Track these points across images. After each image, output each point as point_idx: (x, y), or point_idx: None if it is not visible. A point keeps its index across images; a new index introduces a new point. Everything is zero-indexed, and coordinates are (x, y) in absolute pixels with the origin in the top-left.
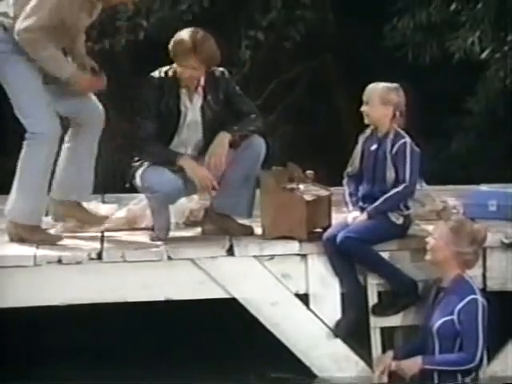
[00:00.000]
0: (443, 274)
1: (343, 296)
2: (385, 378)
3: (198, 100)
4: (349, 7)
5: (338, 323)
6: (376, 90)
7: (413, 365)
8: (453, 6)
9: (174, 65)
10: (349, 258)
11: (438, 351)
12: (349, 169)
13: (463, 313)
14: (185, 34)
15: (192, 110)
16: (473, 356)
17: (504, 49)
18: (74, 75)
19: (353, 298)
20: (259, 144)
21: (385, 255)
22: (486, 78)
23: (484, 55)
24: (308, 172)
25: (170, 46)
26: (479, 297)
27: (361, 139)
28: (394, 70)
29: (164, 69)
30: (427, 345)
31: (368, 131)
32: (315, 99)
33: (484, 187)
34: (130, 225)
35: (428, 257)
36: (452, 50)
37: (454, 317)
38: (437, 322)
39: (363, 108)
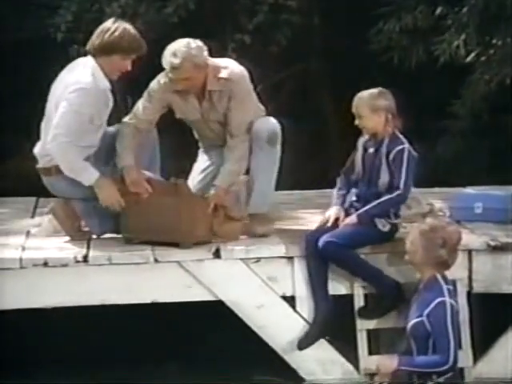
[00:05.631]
0: (421, 275)
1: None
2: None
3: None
4: (335, 11)
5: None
6: (363, 100)
7: (388, 364)
8: (438, 10)
9: None
10: (326, 262)
11: (416, 351)
12: (345, 168)
13: (432, 316)
14: None
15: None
16: (446, 358)
17: (489, 52)
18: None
19: (319, 309)
20: None
21: (367, 257)
22: (471, 82)
23: (469, 59)
24: None
25: None
26: (447, 299)
27: (360, 142)
28: (379, 74)
29: None
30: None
31: (366, 135)
32: (301, 104)
33: (470, 190)
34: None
35: (406, 257)
36: (437, 54)
37: (424, 319)
38: (409, 323)
39: (357, 122)
